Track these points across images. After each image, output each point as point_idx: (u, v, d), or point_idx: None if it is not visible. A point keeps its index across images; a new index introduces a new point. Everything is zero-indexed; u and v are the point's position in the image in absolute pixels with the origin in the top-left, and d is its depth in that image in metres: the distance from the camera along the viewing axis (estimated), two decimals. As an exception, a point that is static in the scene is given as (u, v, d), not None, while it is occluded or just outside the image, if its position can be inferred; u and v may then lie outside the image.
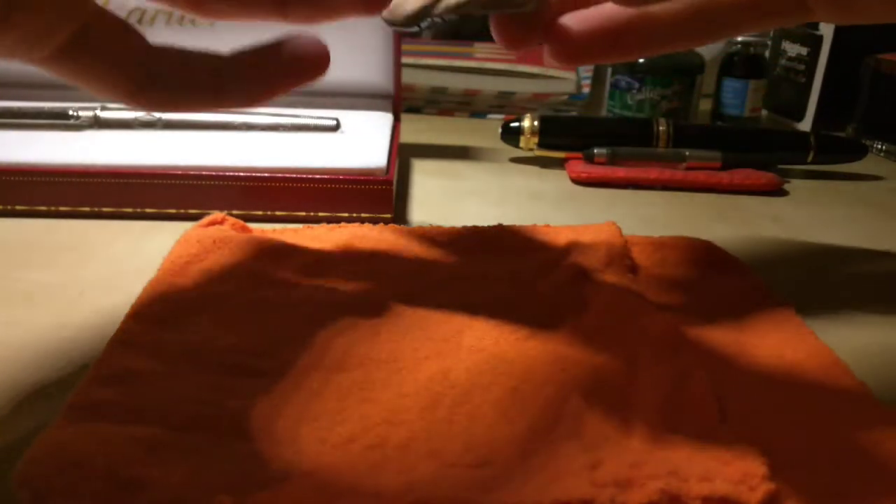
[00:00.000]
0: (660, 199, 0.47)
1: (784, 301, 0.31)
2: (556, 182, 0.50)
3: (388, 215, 0.40)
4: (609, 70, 0.63)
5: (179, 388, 0.23)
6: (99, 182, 0.39)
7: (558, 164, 0.52)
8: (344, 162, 0.41)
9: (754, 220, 0.44)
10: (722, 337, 0.28)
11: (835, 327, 0.31)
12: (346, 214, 0.40)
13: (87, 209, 0.39)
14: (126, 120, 0.44)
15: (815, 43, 0.64)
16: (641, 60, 0.60)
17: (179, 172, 0.39)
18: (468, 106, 0.68)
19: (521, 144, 0.52)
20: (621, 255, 0.33)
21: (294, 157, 0.41)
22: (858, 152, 0.52)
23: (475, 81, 0.67)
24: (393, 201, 0.40)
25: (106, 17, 0.23)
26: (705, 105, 0.65)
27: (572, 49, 0.27)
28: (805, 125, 0.66)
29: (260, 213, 0.40)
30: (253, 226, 0.36)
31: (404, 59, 0.56)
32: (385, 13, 0.24)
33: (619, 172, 0.49)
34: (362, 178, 0.40)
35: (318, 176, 0.39)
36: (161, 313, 0.28)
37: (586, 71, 0.72)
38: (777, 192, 0.49)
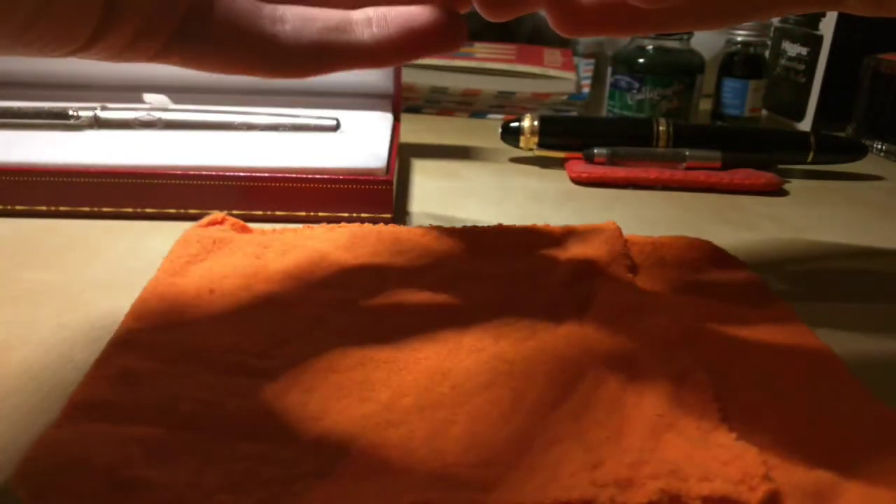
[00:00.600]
0: (660, 199, 0.47)
1: (784, 301, 0.31)
2: (556, 182, 0.50)
3: (388, 215, 0.40)
4: (609, 70, 0.63)
5: (179, 388, 0.23)
6: (99, 182, 0.39)
7: (558, 164, 0.52)
8: (344, 162, 0.41)
9: (754, 220, 0.44)
10: (722, 337, 0.28)
11: (835, 327, 0.31)
12: (346, 214, 0.40)
13: (87, 209, 0.39)
14: (126, 120, 0.44)
15: (815, 43, 0.64)
16: (641, 60, 0.60)
17: (179, 172, 0.39)
18: (468, 106, 0.68)
19: (521, 144, 0.52)
20: (621, 255, 0.33)
21: (294, 157, 0.41)
22: (858, 152, 0.52)
23: (475, 81, 0.67)
24: (393, 201, 0.40)
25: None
26: (705, 105, 0.65)
27: (573, 19, 0.26)
28: (805, 125, 0.66)
29: (260, 213, 0.40)
30: (253, 226, 0.36)
31: (404, 59, 0.56)
32: None
33: (619, 172, 0.49)
34: (362, 178, 0.40)
35: (318, 176, 0.39)
36: (161, 313, 0.28)
37: (586, 71, 0.72)
38: (777, 192, 0.49)
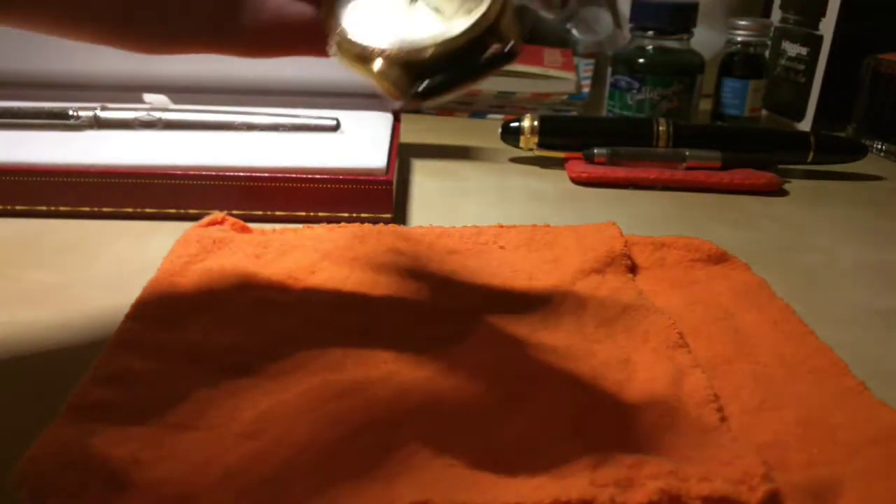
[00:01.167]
0: (660, 199, 0.47)
1: (784, 301, 0.31)
2: (556, 182, 0.50)
3: (388, 215, 0.40)
4: (609, 70, 0.63)
5: (179, 388, 0.23)
6: (99, 182, 0.39)
7: (558, 164, 0.52)
8: (344, 162, 0.41)
9: (754, 220, 0.44)
10: (722, 337, 0.28)
11: (835, 327, 0.31)
12: (346, 214, 0.40)
13: (87, 209, 0.39)
14: (126, 120, 0.44)
15: (815, 43, 0.64)
16: (641, 60, 0.60)
17: (179, 172, 0.39)
18: (468, 106, 0.68)
19: (521, 144, 0.52)
20: (621, 255, 0.33)
21: (294, 157, 0.41)
22: (858, 152, 0.52)
23: (475, 81, 0.67)
24: (393, 201, 0.40)
25: None
26: (705, 105, 0.65)
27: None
28: (805, 125, 0.66)
29: (260, 213, 0.40)
30: (253, 226, 0.36)
31: (404, 59, 0.56)
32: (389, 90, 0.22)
33: (619, 172, 0.49)
34: (362, 178, 0.40)
35: (318, 176, 0.39)
36: (161, 313, 0.28)
37: (586, 71, 0.72)
38: (777, 192, 0.49)
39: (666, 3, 0.59)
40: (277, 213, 0.40)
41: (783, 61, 0.69)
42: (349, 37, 0.22)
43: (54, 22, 0.23)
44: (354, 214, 0.40)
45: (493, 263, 0.33)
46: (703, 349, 0.27)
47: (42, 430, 0.21)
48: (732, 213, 0.45)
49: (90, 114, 0.44)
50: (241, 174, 0.39)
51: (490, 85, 0.67)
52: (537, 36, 0.81)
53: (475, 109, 0.69)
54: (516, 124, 0.52)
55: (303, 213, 0.40)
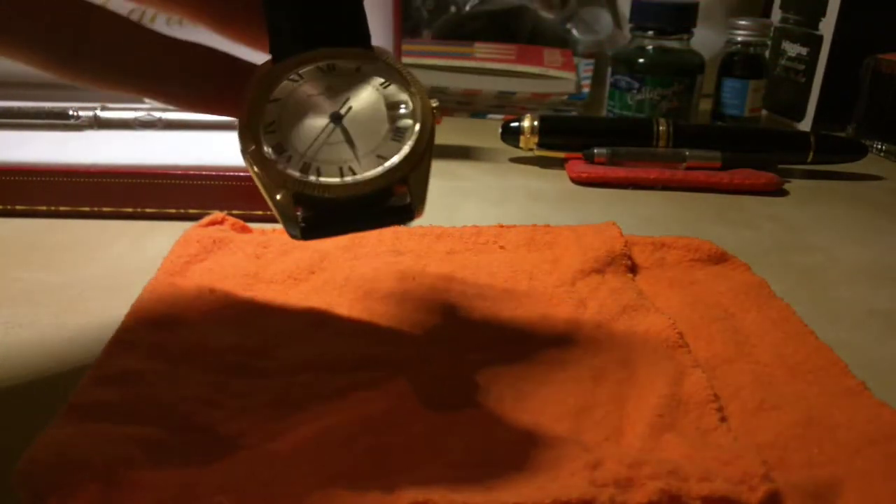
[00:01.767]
0: (660, 199, 0.47)
1: (784, 301, 0.31)
2: (556, 182, 0.50)
3: (388, 215, 0.40)
4: (609, 70, 0.63)
5: (179, 388, 0.23)
6: (99, 182, 0.39)
7: (558, 164, 0.52)
8: (344, 162, 0.41)
9: (754, 220, 0.44)
10: (722, 337, 0.28)
11: (835, 327, 0.31)
12: (346, 214, 0.40)
13: (87, 209, 0.39)
14: (126, 120, 0.44)
15: (815, 43, 0.64)
16: (641, 60, 0.60)
17: (179, 172, 0.39)
18: (468, 106, 0.68)
19: (521, 144, 0.52)
20: (621, 255, 0.33)
21: (294, 157, 0.41)
22: (858, 152, 0.52)
23: (475, 81, 0.67)
24: (393, 201, 0.40)
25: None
26: (705, 105, 0.65)
27: None
28: (805, 125, 0.66)
29: (260, 213, 0.40)
30: (253, 226, 0.36)
31: (404, 59, 0.56)
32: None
33: (619, 172, 0.49)
34: (362, 178, 0.40)
35: (318, 176, 0.39)
36: (161, 313, 0.28)
37: (586, 71, 0.72)
38: (777, 192, 0.49)
39: (666, 3, 0.59)
40: (277, 213, 0.40)
41: (783, 61, 0.69)
42: (262, 153, 0.20)
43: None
44: (354, 214, 0.40)
45: (493, 263, 0.33)
46: (703, 349, 0.27)
47: (42, 430, 0.21)
48: (732, 213, 0.45)
49: (90, 114, 0.44)
50: (241, 174, 0.39)
51: (490, 85, 0.67)
52: (537, 36, 0.81)
53: (475, 109, 0.69)
54: (516, 124, 0.52)
55: (303, 213, 0.40)
